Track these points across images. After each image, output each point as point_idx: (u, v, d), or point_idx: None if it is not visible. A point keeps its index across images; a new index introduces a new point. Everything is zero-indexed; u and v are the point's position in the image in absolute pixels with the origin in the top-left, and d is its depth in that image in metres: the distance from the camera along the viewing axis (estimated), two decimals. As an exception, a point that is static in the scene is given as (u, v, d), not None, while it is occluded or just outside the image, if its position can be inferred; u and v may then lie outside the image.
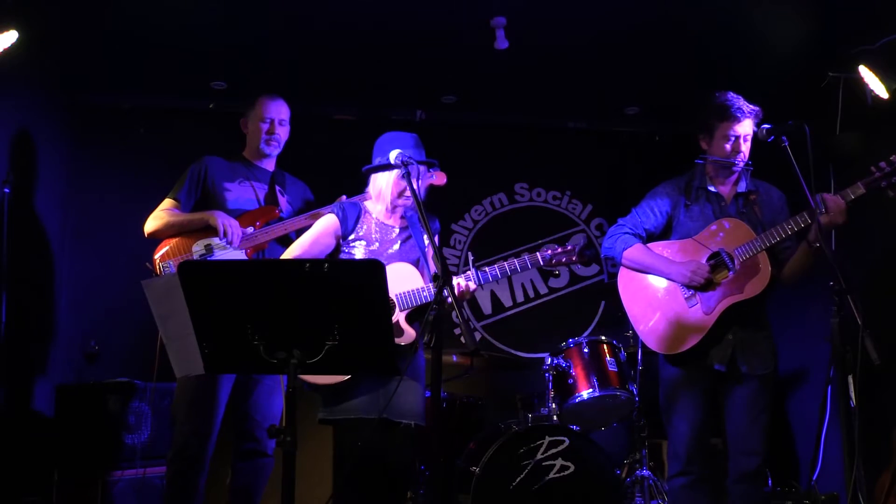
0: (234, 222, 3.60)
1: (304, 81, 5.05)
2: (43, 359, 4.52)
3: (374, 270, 2.26)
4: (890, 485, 3.58)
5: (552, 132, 5.82)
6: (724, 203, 3.50)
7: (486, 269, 3.16)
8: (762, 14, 4.24)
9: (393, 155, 3.07)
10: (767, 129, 3.29)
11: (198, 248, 3.58)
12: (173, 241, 3.61)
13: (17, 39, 3.68)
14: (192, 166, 3.77)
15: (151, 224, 3.66)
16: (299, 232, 3.64)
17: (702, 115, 3.51)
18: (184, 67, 4.78)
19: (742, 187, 3.51)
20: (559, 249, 3.22)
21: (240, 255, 3.60)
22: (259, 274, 2.32)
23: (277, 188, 3.82)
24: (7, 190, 3.87)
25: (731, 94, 3.44)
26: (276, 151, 3.85)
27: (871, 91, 4.08)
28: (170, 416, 3.74)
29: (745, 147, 3.43)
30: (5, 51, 3.66)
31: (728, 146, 3.42)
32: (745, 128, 3.41)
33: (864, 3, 4.04)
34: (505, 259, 3.21)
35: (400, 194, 3.21)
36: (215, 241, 3.59)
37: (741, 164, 3.44)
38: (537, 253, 3.22)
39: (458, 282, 3.05)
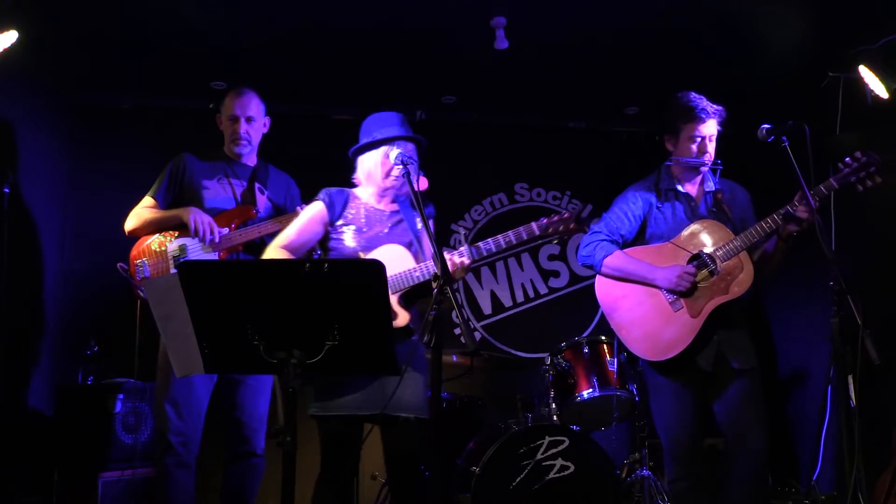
0: (208, 218, 3.53)
1: (304, 81, 5.06)
2: (43, 359, 4.52)
3: (374, 270, 2.26)
4: (890, 485, 3.58)
5: (552, 132, 5.82)
6: (695, 203, 3.51)
7: (480, 243, 3.02)
8: (762, 14, 4.24)
9: (393, 154, 3.02)
10: (767, 129, 3.29)
11: (172, 250, 3.55)
12: (149, 241, 3.58)
13: (17, 39, 3.69)
14: (170, 164, 3.72)
15: (130, 223, 3.63)
16: (272, 235, 3.63)
17: (666, 116, 3.53)
18: (184, 67, 4.78)
19: (709, 186, 3.52)
20: (555, 217, 3.08)
21: (213, 257, 3.54)
22: (259, 274, 2.32)
23: (257, 185, 3.73)
24: (7, 189, 3.87)
25: (694, 95, 3.45)
26: (246, 150, 3.75)
27: (871, 91, 4.08)
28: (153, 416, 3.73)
29: (711, 147, 3.45)
30: (5, 51, 3.67)
31: (694, 147, 3.44)
32: (710, 128, 3.42)
33: (864, 3, 4.04)
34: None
35: (387, 174, 3.09)
36: (189, 241, 3.54)
37: (709, 165, 3.46)
38: (532, 223, 3.06)
39: (452, 257, 2.94)
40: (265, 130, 3.83)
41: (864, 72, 4.03)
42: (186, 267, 2.27)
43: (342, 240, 3.09)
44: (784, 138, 3.16)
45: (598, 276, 3.54)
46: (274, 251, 3.08)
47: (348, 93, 5.22)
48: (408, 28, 4.41)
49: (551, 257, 5.74)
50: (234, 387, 3.53)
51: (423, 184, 3.41)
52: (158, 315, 2.44)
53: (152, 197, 3.68)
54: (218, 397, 3.54)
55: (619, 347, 4.34)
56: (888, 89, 4.00)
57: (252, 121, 3.73)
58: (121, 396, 4.13)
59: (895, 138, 4.04)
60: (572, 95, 5.37)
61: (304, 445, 2.55)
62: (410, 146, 3.11)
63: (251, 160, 3.80)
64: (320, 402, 2.93)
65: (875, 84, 4.02)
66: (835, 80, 4.32)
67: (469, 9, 4.18)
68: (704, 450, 3.45)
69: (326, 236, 3.13)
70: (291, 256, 3.06)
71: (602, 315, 5.62)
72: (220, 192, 3.67)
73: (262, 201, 3.72)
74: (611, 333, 4.40)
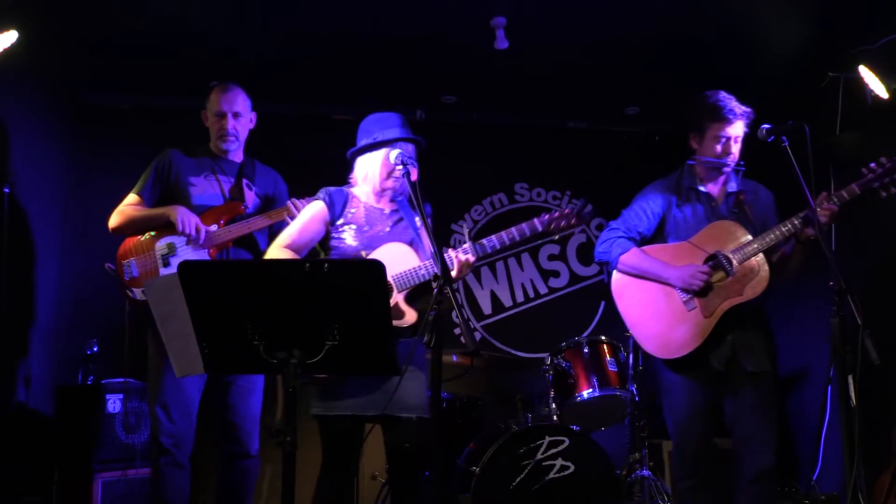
0: (194, 217, 3.47)
1: (304, 81, 5.06)
2: (43, 359, 4.52)
3: (373, 270, 2.26)
4: (890, 485, 3.58)
5: (552, 132, 5.82)
6: (715, 203, 3.49)
7: (483, 240, 3.01)
8: (762, 14, 4.25)
9: (393, 155, 2.99)
10: (767, 129, 3.28)
11: (160, 248, 3.49)
12: (135, 239, 3.52)
13: (17, 39, 3.68)
14: (156, 160, 3.66)
15: (114, 220, 3.56)
16: (262, 230, 3.60)
17: (693, 114, 3.49)
18: (184, 67, 4.78)
19: (732, 187, 3.50)
20: (557, 213, 3.07)
21: (203, 255, 3.49)
22: (259, 274, 2.32)
23: (245, 181, 3.67)
24: (7, 189, 3.87)
25: (723, 95, 3.42)
26: (233, 146, 3.69)
27: (871, 91, 4.08)
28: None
29: (736, 148, 3.43)
30: (5, 51, 3.66)
31: (719, 147, 3.41)
32: (737, 129, 3.40)
33: (864, 3, 4.04)
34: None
35: (388, 175, 3.08)
36: (178, 240, 3.49)
37: (732, 166, 3.44)
38: (534, 219, 3.05)
39: (456, 254, 2.93)
40: (251, 126, 3.78)
41: (864, 72, 4.03)
42: (186, 267, 2.27)
43: (343, 239, 3.07)
44: (784, 138, 3.14)
45: (614, 272, 3.54)
46: (277, 251, 3.07)
47: (348, 93, 5.22)
48: (408, 28, 4.41)
49: (551, 257, 5.74)
50: (224, 388, 3.50)
51: (413, 174, 3.33)
52: (158, 315, 2.43)
53: (137, 194, 3.61)
54: (209, 398, 3.51)
55: (633, 347, 4.36)
56: (888, 89, 4.00)
57: (239, 116, 3.68)
58: (121, 396, 4.13)
59: (895, 138, 4.05)
60: (572, 95, 5.37)
61: (304, 445, 2.55)
62: (410, 147, 3.11)
63: (237, 156, 3.74)
64: (323, 401, 2.92)
65: (875, 84, 4.02)
66: (835, 80, 4.32)
67: (469, 9, 4.18)
68: (713, 451, 3.44)
69: (327, 236, 3.11)
70: (295, 256, 3.06)
71: (602, 315, 5.64)
72: (207, 188, 3.62)
73: (251, 197, 3.66)
74: (611, 333, 4.43)
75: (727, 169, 3.46)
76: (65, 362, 4.72)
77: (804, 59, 4.54)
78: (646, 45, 4.62)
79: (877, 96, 4.07)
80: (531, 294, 5.66)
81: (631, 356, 4.36)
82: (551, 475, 3.74)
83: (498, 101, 5.45)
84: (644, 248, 3.50)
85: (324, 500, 2.97)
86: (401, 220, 3.15)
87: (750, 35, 4.45)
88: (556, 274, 5.72)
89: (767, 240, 3.27)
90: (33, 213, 4.39)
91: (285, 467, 2.24)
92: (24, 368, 4.20)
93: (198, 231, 3.46)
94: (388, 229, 3.11)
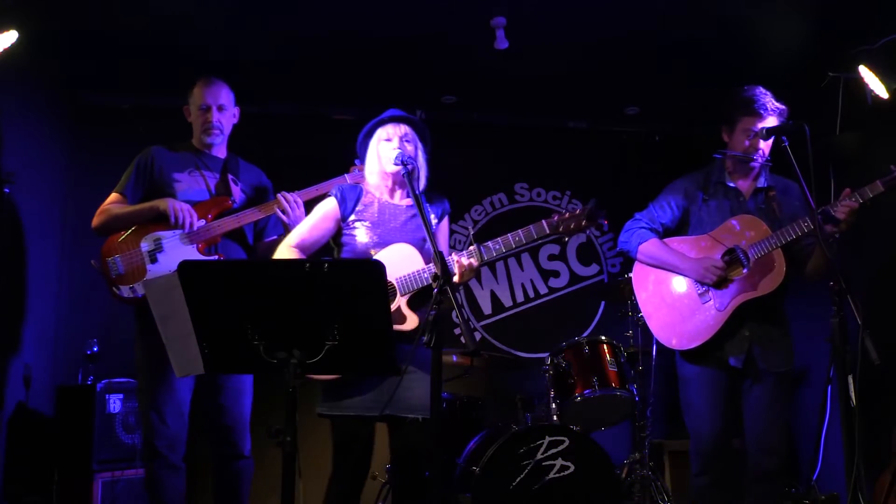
0: (187, 206, 3.40)
1: (304, 82, 5.06)
2: (43, 359, 4.52)
3: (373, 270, 2.26)
4: (890, 485, 3.58)
5: (552, 132, 5.82)
6: (743, 198, 3.48)
7: (489, 243, 2.92)
8: (762, 14, 4.25)
9: (393, 155, 2.98)
10: (767, 129, 3.30)
11: (146, 244, 3.42)
12: (119, 236, 3.44)
13: (17, 39, 3.68)
14: (139, 157, 3.60)
15: (97, 220, 3.48)
16: (250, 225, 3.57)
17: (727, 105, 3.49)
18: (184, 67, 4.77)
19: (761, 182, 3.49)
20: (567, 214, 2.96)
21: (191, 250, 3.43)
22: (259, 274, 2.32)
23: (230, 176, 3.62)
24: (7, 190, 3.87)
25: (759, 90, 3.42)
26: (218, 140, 3.64)
27: (871, 91, 4.08)
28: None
29: (765, 144, 3.42)
30: (5, 51, 3.66)
31: (747, 142, 3.41)
32: (767, 125, 3.38)
33: (864, 3, 4.04)
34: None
35: (389, 159, 3.02)
36: (164, 234, 3.43)
37: (760, 161, 3.43)
38: (543, 221, 2.94)
39: (460, 259, 2.88)
40: (235, 121, 3.73)
41: (864, 72, 4.03)
42: (186, 267, 2.27)
43: (354, 235, 3.05)
44: (784, 138, 3.15)
45: (636, 262, 3.58)
46: (286, 250, 3.06)
47: (348, 93, 5.22)
48: (408, 28, 4.41)
49: (551, 257, 5.74)
50: (216, 390, 3.46)
51: (415, 176, 3.23)
52: (158, 315, 2.43)
53: (120, 193, 3.54)
54: (200, 400, 3.47)
55: (643, 342, 4.36)
56: (888, 89, 4.00)
57: (223, 109, 3.64)
58: (121, 396, 4.13)
59: (895, 138, 4.05)
60: (572, 95, 5.37)
61: (305, 445, 2.55)
62: (405, 128, 3.07)
63: (221, 152, 3.69)
64: (328, 401, 2.91)
65: (875, 84, 4.02)
66: (835, 80, 4.32)
67: (469, 9, 4.18)
68: (729, 448, 3.43)
69: (339, 232, 3.09)
70: (302, 255, 3.04)
71: (602, 315, 5.64)
72: (192, 184, 3.56)
73: (237, 192, 3.61)
74: (611, 333, 4.43)
75: (755, 164, 3.45)
76: (65, 362, 4.72)
77: (804, 59, 4.54)
78: (646, 45, 4.62)
79: (877, 96, 4.07)
80: (531, 294, 5.66)
81: (654, 349, 4.34)
82: (551, 475, 3.74)
83: (498, 101, 5.45)
84: (665, 239, 3.53)
85: (336, 501, 2.95)
86: (415, 216, 3.08)
87: (750, 35, 4.45)
88: (556, 274, 5.72)
89: (785, 235, 3.26)
90: (33, 213, 4.39)
91: (285, 467, 2.24)
92: (23, 368, 4.20)
93: (191, 215, 3.40)
94: (399, 225, 3.07)
